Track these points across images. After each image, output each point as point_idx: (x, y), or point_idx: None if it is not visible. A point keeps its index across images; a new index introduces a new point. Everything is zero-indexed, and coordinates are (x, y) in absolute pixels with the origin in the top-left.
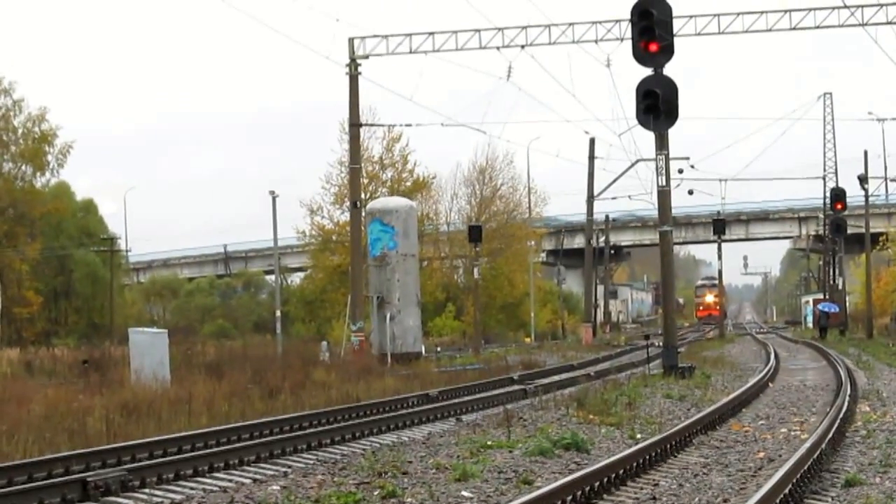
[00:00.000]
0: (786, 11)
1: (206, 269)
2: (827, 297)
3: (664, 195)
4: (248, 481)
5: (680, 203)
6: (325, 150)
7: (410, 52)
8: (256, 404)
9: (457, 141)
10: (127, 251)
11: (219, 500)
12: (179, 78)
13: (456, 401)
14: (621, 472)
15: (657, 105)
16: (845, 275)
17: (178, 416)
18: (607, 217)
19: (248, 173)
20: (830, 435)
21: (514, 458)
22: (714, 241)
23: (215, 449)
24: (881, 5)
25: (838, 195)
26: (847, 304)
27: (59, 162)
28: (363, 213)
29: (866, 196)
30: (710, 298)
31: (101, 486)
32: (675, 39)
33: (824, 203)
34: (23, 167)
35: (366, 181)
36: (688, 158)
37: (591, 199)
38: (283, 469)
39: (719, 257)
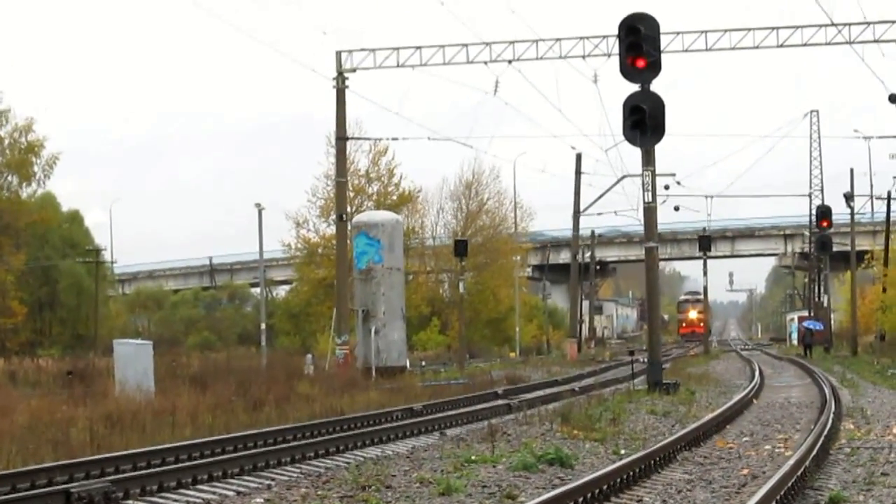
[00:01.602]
0: (773, 28)
1: (191, 280)
2: (812, 314)
3: (650, 211)
4: (231, 494)
5: (666, 219)
6: (311, 163)
7: (398, 66)
8: (240, 417)
9: (443, 155)
10: (112, 262)
11: None
12: (166, 90)
13: (440, 415)
14: (605, 487)
15: (644, 121)
16: (830, 292)
17: (161, 427)
18: (593, 232)
19: (235, 185)
20: (814, 452)
21: (498, 473)
22: (700, 258)
23: (199, 461)
24: (868, 23)
25: (824, 213)
26: (832, 321)
27: (46, 173)
28: (349, 227)
29: (852, 214)
30: (693, 314)
31: (84, 497)
32: (663, 56)
33: (810, 220)
34: (8, 177)
35: (352, 194)
36: (674, 175)
37: (577, 214)
38: (267, 482)
39: (705, 273)
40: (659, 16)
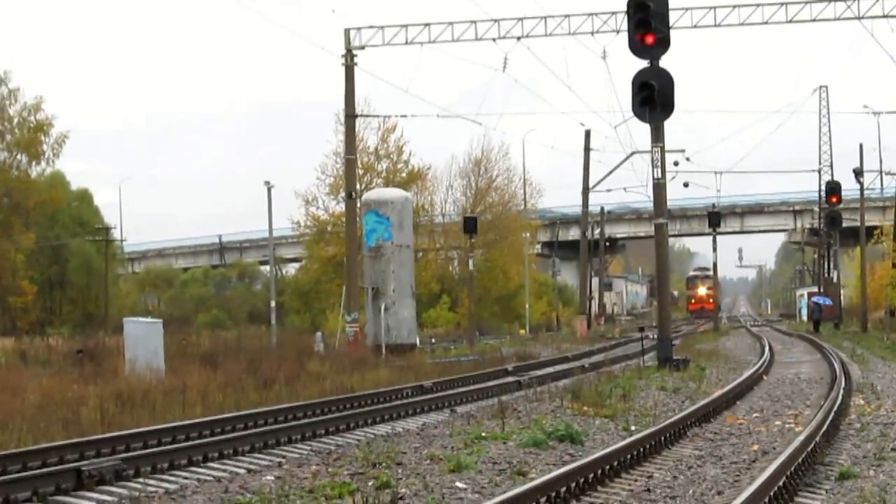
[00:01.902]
0: (782, 4)
1: (200, 259)
2: (822, 290)
3: (659, 187)
4: (242, 471)
5: (675, 195)
6: (320, 141)
7: (406, 44)
8: (251, 395)
9: (452, 132)
10: (122, 241)
11: (213, 489)
12: (176, 69)
13: (450, 392)
14: (615, 463)
15: (653, 97)
16: (840, 268)
17: (172, 406)
18: (602, 209)
19: (245, 164)
20: (825, 428)
21: (509, 450)
22: (709, 234)
23: (210, 439)
24: None
25: (833, 188)
26: (842, 297)
27: (55, 151)
28: (358, 204)
29: (861, 190)
30: (702, 291)
31: (95, 475)
32: (672, 32)
33: (819, 196)
34: (18, 156)
35: (361, 172)
36: (683, 151)
37: (586, 191)
38: (278, 459)
39: (714, 250)
40: None
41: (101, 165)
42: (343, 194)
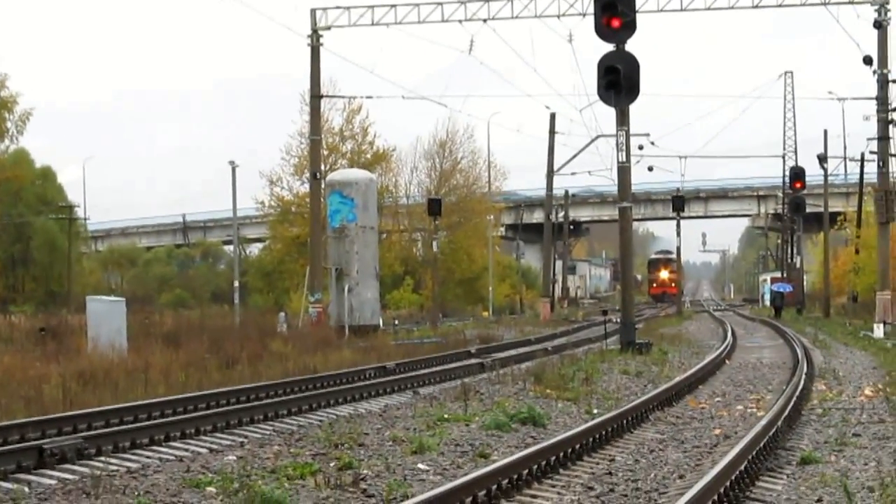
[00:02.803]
0: None
1: (164, 238)
2: (785, 275)
3: (624, 171)
4: (204, 451)
5: (639, 179)
6: (285, 122)
7: (372, 24)
8: (213, 375)
9: (417, 114)
10: (85, 219)
11: (175, 469)
12: (140, 47)
13: (413, 374)
14: (578, 446)
15: (618, 81)
16: (803, 253)
17: (134, 385)
18: (567, 192)
19: (209, 143)
20: (786, 413)
21: (471, 432)
22: (673, 218)
23: (172, 418)
24: None
25: (797, 174)
26: (805, 282)
27: (18, 129)
28: (323, 185)
29: (825, 175)
30: (664, 274)
31: (56, 453)
32: (638, 15)
33: (783, 182)
34: None
35: (326, 153)
36: (648, 135)
37: (550, 174)
38: (240, 439)
39: (678, 234)
40: None
41: (67, 142)
42: (308, 175)
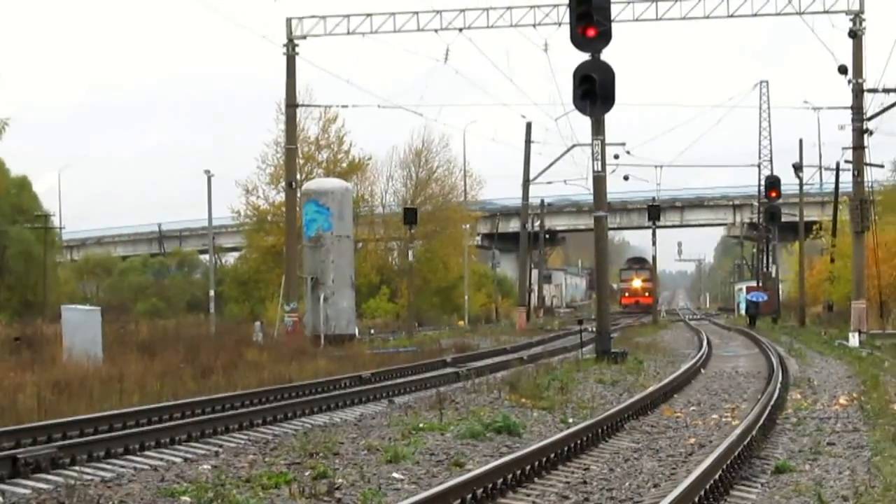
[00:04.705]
0: None
1: (140, 247)
2: (760, 284)
3: (599, 180)
4: (179, 460)
5: (615, 189)
6: (261, 131)
7: (348, 34)
8: (189, 384)
9: (393, 123)
10: (61, 228)
11: (149, 478)
12: (116, 55)
13: (388, 383)
14: (553, 455)
15: (594, 90)
16: (779, 263)
17: (109, 394)
18: (542, 201)
19: (184, 152)
20: (761, 422)
21: (446, 441)
22: (649, 227)
23: (147, 427)
24: None
25: (773, 183)
26: (780, 292)
27: None
28: (298, 194)
29: (800, 185)
30: (637, 283)
31: (31, 462)
32: (613, 25)
33: (759, 191)
34: None
35: (301, 162)
36: (624, 144)
37: (526, 183)
38: (215, 448)
39: (654, 243)
40: None
41: (41, 148)
42: (283, 184)
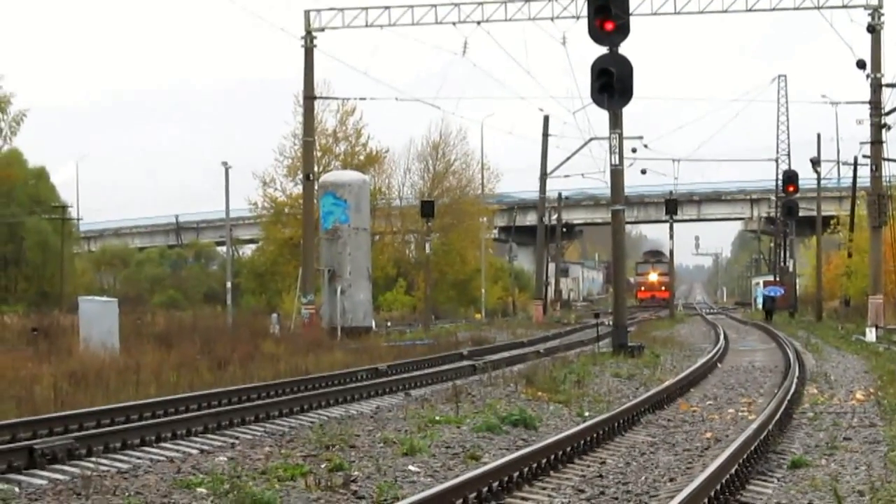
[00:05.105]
0: None
1: (157, 239)
2: (777, 279)
3: (617, 174)
4: (195, 452)
5: (632, 182)
6: (279, 123)
7: (366, 26)
8: (205, 375)
9: (411, 116)
10: (78, 220)
11: (165, 469)
12: (135, 49)
13: (405, 375)
14: (569, 449)
15: (612, 84)
16: (796, 257)
17: (126, 385)
18: (560, 195)
19: (203, 144)
20: (778, 416)
21: (462, 434)
22: (666, 221)
23: (163, 419)
24: None
25: (790, 178)
26: (797, 286)
27: (12, 129)
28: (316, 186)
29: (818, 179)
30: (653, 277)
31: (48, 453)
32: (631, 18)
33: (776, 185)
34: None
35: (319, 154)
36: (641, 138)
37: (543, 176)
38: (231, 440)
39: (671, 237)
40: None
41: (61, 141)
42: (301, 176)
